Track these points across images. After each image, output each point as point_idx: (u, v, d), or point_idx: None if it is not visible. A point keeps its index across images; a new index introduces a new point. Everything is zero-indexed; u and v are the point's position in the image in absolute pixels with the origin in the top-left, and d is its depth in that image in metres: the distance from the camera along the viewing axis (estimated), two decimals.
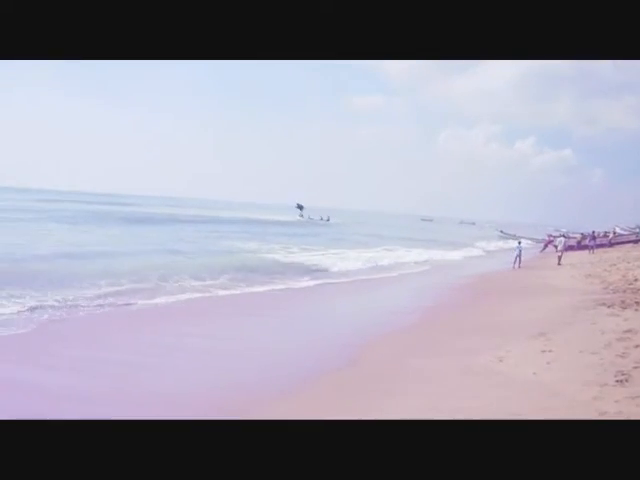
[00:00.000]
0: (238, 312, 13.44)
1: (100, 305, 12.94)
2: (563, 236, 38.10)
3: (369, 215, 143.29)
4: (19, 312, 11.56)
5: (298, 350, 10.30)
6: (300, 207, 23.61)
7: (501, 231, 70.11)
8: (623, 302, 13.86)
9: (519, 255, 28.64)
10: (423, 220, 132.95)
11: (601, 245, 41.55)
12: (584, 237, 44.17)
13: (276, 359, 9.56)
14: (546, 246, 41.56)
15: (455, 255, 36.28)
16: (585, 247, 39.72)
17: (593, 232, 43.76)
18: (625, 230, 51.50)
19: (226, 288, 16.42)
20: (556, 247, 32.73)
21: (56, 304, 12.55)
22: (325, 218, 78.27)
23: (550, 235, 49.07)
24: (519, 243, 30.39)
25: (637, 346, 9.15)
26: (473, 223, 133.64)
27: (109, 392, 7.41)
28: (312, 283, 19.05)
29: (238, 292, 16.10)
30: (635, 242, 43.90)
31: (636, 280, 18.91)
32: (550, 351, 9.29)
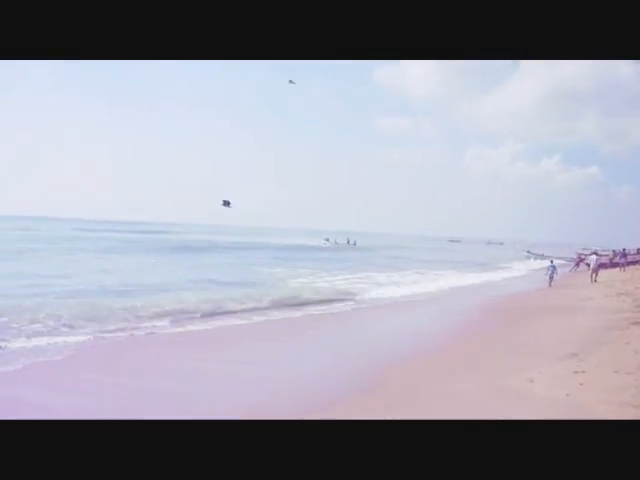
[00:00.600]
0: (269, 337, 13.42)
1: (133, 334, 13.07)
2: (595, 254, 37.48)
3: (396, 238, 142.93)
4: (55, 342, 11.71)
5: (325, 373, 10.24)
6: (227, 203, 21.60)
7: (528, 251, 69.13)
8: None
9: (552, 274, 28.39)
10: (451, 241, 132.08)
11: (633, 262, 40.78)
12: (615, 254, 43.38)
13: (302, 382, 9.51)
14: (578, 264, 40.90)
15: (484, 276, 35.88)
16: (616, 265, 38.98)
17: (624, 249, 42.99)
18: None
19: (258, 315, 16.47)
20: (588, 265, 32.22)
21: (90, 332, 12.76)
22: (352, 242, 78.23)
23: (581, 253, 48.26)
24: (551, 262, 30.06)
25: None
26: (501, 243, 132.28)
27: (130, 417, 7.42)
28: (342, 308, 18.95)
29: (263, 319, 16.03)
30: None
31: None
32: (583, 372, 9.10)
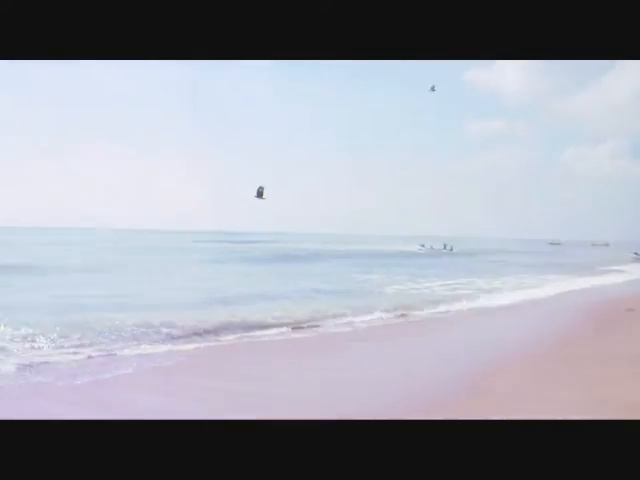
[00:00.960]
0: (371, 344, 13.44)
1: (240, 341, 13.54)
2: None
3: (494, 242, 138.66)
4: (166, 349, 12.28)
5: (428, 377, 10.18)
6: (260, 192, 18.58)
7: (635, 253, 64.95)
8: None
9: None
10: (551, 244, 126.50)
11: None
12: None
13: (405, 385, 9.49)
14: None
15: (591, 280, 34.11)
16: None
17: None
18: None
19: (360, 322, 16.55)
20: None
21: (200, 340, 13.31)
22: (448, 247, 76.75)
23: None
24: None
25: None
26: (606, 244, 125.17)
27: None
28: (442, 314, 18.75)
29: (365, 325, 16.05)
30: None
31: None
32: None
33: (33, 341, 12.20)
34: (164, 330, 14.04)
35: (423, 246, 79.51)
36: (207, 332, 14.19)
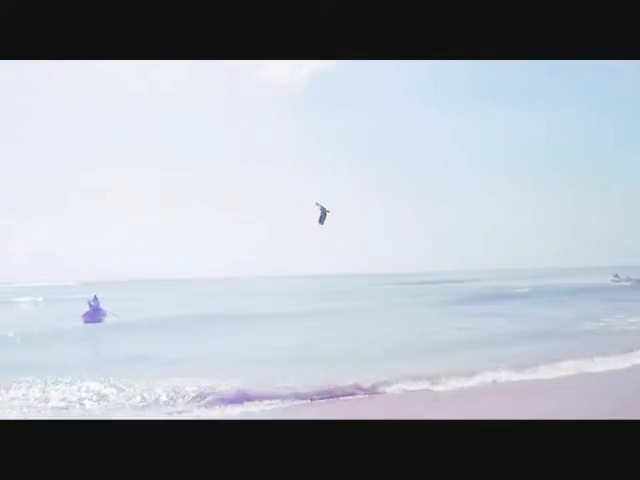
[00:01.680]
0: (568, 393, 12.15)
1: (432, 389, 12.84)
2: None
3: None
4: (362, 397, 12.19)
5: None
6: (323, 214, 15.45)
7: None
8: None
9: None
10: None
11: None
12: None
13: None
14: None
15: None
16: None
17: None
18: None
19: (552, 365, 14.82)
20: None
21: (397, 389, 12.87)
22: None
23: None
24: None
25: None
26: None
27: None
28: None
29: (564, 373, 14.02)
30: None
31: None
32: None
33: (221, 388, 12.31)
34: (352, 381, 13.24)
35: (617, 276, 71.95)
36: (402, 380, 13.61)
